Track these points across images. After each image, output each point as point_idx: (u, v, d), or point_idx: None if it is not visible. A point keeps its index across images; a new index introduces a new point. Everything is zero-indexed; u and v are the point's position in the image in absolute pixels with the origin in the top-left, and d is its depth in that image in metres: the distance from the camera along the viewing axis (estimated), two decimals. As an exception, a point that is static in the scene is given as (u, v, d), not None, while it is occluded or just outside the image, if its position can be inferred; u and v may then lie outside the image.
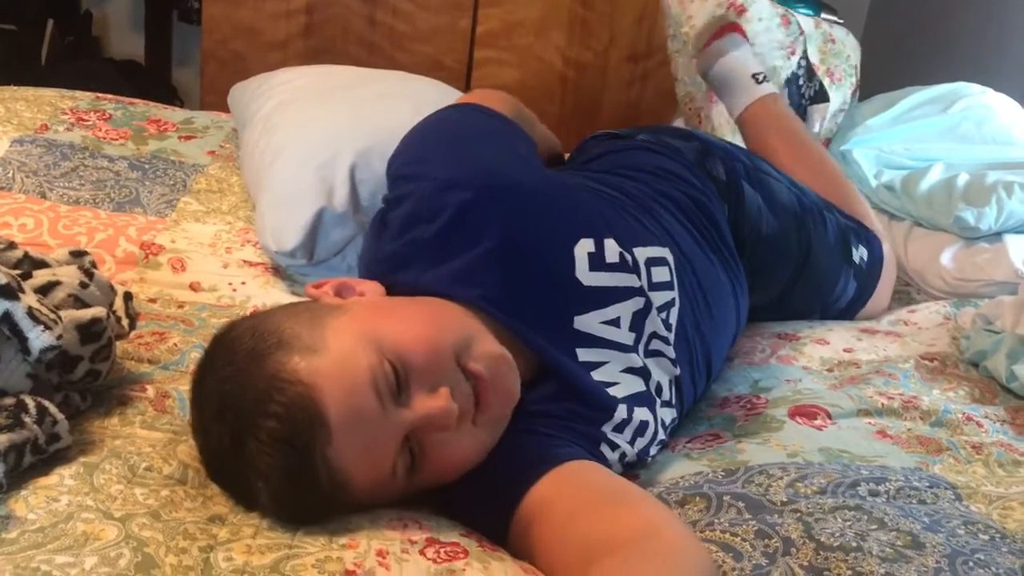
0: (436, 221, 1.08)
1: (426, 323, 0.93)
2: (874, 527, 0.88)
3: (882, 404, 1.20)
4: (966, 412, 1.21)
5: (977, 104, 1.91)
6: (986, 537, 0.89)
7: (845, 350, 1.39)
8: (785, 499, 0.96)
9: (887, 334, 1.46)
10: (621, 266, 1.09)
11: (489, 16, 2.78)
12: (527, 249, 1.07)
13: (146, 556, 0.79)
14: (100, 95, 1.95)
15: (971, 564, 0.84)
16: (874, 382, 1.27)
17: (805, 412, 1.18)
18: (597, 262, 1.07)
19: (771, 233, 1.41)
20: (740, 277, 1.33)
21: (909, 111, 1.93)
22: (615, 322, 1.06)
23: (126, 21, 3.24)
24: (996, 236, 1.61)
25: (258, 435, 0.84)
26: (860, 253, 1.50)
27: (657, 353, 1.10)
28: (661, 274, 1.13)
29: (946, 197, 1.65)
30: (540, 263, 1.06)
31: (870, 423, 1.16)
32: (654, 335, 1.10)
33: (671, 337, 1.11)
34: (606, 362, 1.06)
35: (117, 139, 1.77)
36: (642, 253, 1.12)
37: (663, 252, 1.15)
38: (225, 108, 1.95)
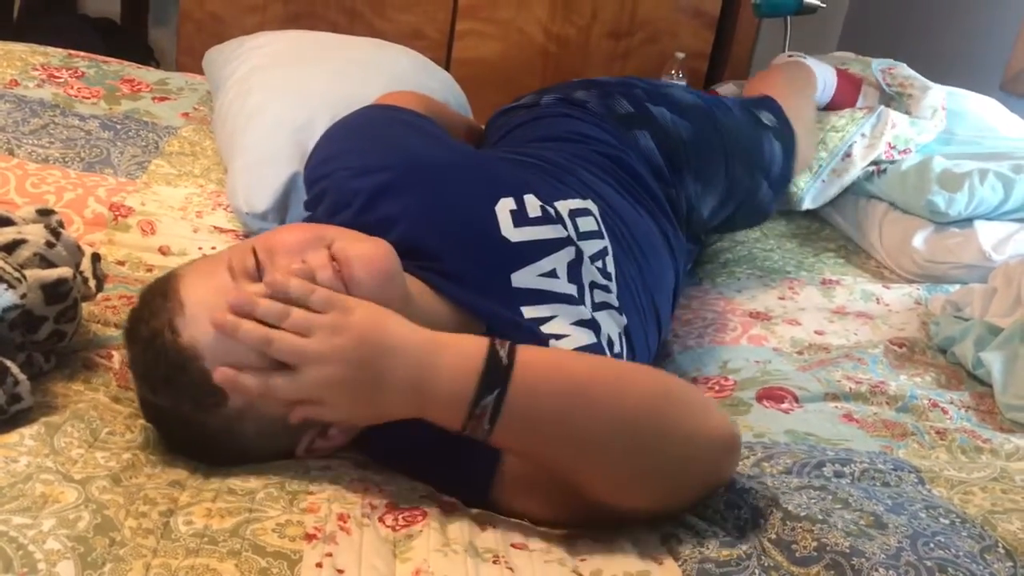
0: (354, 203, 1.10)
1: (301, 224, 0.98)
2: (838, 506, 0.89)
3: (850, 388, 1.21)
4: (932, 398, 1.22)
5: (956, 104, 1.92)
6: (947, 521, 0.90)
7: (816, 332, 1.40)
8: (751, 475, 0.96)
9: (858, 315, 1.47)
10: (545, 219, 1.09)
11: (472, -13, 2.76)
12: (451, 216, 1.08)
13: (105, 519, 0.78)
14: (73, 52, 1.91)
15: (932, 545, 0.84)
16: (843, 366, 1.28)
17: (772, 395, 1.19)
18: (520, 218, 1.08)
19: (692, 135, 1.48)
20: (669, 221, 1.35)
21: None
22: (552, 273, 1.06)
23: (103, -22, 3.18)
24: (967, 221, 1.62)
25: (134, 325, 0.91)
26: (767, 116, 1.62)
27: (605, 305, 1.09)
28: (587, 224, 1.13)
29: (919, 180, 1.66)
30: (466, 228, 1.07)
31: (836, 407, 1.18)
32: (594, 285, 1.09)
33: (612, 285, 1.11)
34: (554, 316, 1.04)
35: (89, 97, 1.74)
36: (564, 206, 1.13)
37: (585, 204, 1.16)
38: (201, 70, 1.93)
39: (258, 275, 0.89)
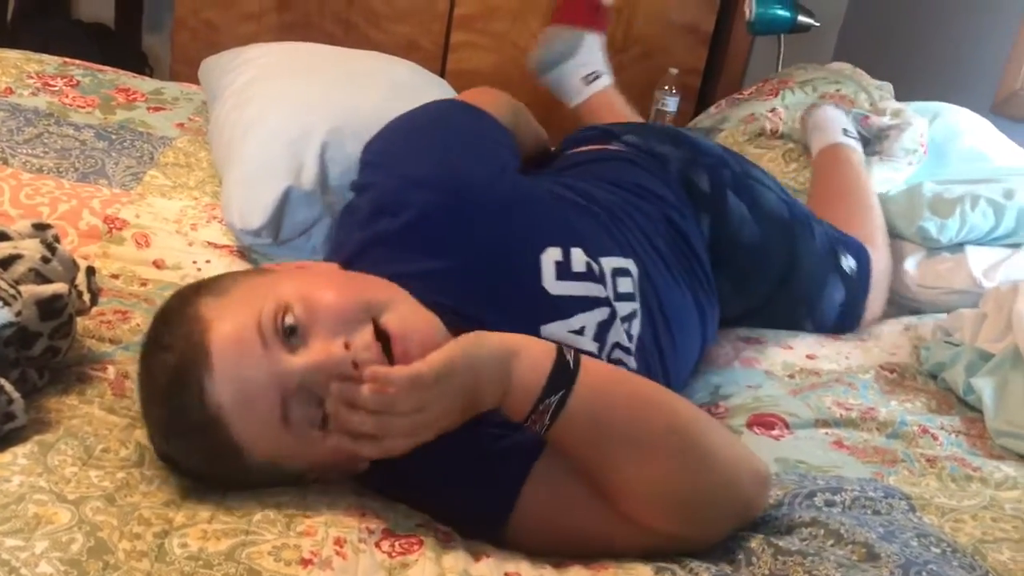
0: (400, 216, 1.07)
1: (344, 281, 0.92)
2: (831, 542, 0.89)
3: (840, 415, 1.22)
4: (922, 424, 1.23)
5: (948, 122, 1.93)
6: (938, 550, 0.91)
7: (808, 356, 1.40)
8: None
9: (850, 339, 1.47)
10: (588, 275, 1.08)
11: (467, -1, 2.77)
12: (493, 258, 1.06)
13: (99, 541, 0.78)
14: (68, 60, 1.90)
15: (924, 574, 0.85)
16: (834, 390, 1.28)
17: (763, 422, 1.19)
18: (564, 271, 1.06)
19: (752, 242, 1.41)
20: (712, 299, 1.32)
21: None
22: (580, 331, 1.06)
23: (97, -17, 3.17)
24: (957, 246, 1.63)
25: (153, 364, 0.88)
26: (848, 262, 1.50)
27: (618, 362, 1.09)
28: (625, 285, 1.12)
29: (909, 206, 1.66)
30: (506, 273, 1.05)
31: (827, 433, 1.18)
32: (617, 345, 1.09)
33: (632, 348, 1.10)
34: None
35: (84, 107, 1.73)
36: (608, 263, 1.12)
37: (627, 263, 1.15)
38: (195, 78, 1.92)
39: (291, 338, 0.85)
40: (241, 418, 0.84)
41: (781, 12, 2.46)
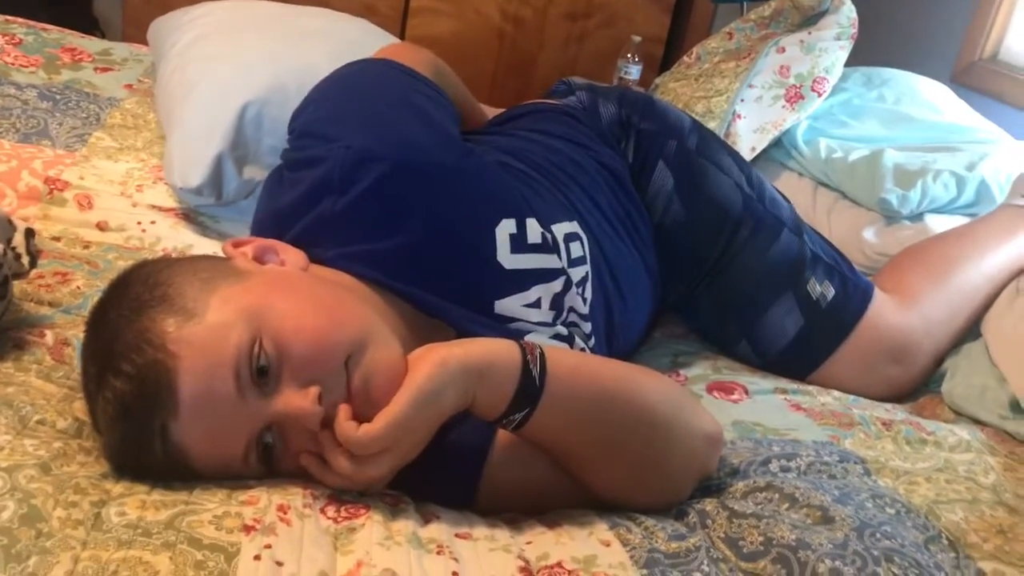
0: (348, 193, 0.99)
1: (322, 314, 0.85)
2: (786, 506, 0.89)
3: (798, 385, 1.22)
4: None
5: (901, 82, 1.93)
6: (892, 511, 0.91)
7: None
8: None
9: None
10: (542, 247, 1.05)
11: (427, -37, 2.72)
12: (448, 236, 1.01)
13: (32, 508, 0.75)
14: (10, 18, 1.84)
15: (878, 536, 0.85)
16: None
17: (723, 387, 1.20)
18: (519, 244, 1.03)
19: (673, 225, 1.28)
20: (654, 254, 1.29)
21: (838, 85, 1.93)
22: (536, 303, 1.03)
23: (45, -56, 3.07)
24: (918, 215, 1.63)
25: (106, 391, 0.81)
26: (822, 288, 1.26)
27: (573, 324, 1.07)
28: (576, 249, 1.10)
29: (870, 175, 1.65)
30: (462, 250, 1.01)
31: (785, 399, 1.18)
32: (572, 310, 1.07)
33: (587, 312, 1.08)
34: (531, 332, 1.03)
35: (27, 66, 1.68)
36: (559, 229, 1.09)
37: (574, 227, 1.12)
38: (147, 42, 1.87)
39: (263, 377, 0.81)
40: (203, 455, 0.82)
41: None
